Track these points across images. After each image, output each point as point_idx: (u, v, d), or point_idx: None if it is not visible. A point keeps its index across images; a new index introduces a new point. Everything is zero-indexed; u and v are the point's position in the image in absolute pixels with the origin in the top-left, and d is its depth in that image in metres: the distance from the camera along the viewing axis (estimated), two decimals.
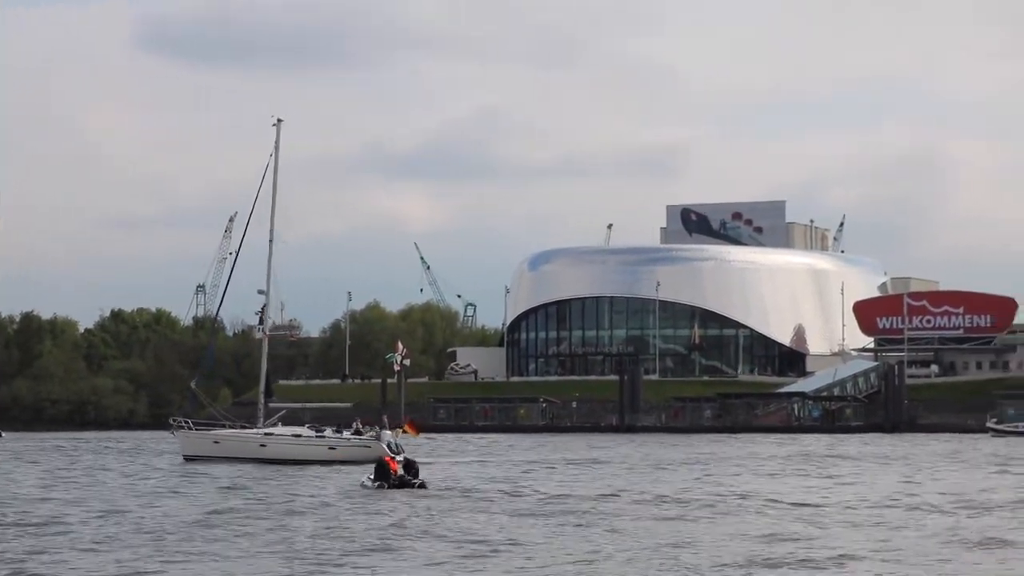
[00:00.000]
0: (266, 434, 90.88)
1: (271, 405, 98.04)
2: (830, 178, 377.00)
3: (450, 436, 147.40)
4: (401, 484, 63.79)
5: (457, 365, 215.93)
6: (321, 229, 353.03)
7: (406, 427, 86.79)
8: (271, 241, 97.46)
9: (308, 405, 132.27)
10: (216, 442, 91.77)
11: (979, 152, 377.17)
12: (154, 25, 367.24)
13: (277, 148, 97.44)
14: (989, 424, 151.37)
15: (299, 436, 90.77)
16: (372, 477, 65.06)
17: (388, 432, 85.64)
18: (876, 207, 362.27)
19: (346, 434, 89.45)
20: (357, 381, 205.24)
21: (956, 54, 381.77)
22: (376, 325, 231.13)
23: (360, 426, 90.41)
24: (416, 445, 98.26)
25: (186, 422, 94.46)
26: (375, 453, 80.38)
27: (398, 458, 67.54)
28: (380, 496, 60.47)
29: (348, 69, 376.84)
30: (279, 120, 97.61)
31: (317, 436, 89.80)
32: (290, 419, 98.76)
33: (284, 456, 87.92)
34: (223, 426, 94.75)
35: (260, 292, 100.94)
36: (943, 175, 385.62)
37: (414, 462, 66.98)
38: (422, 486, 63.88)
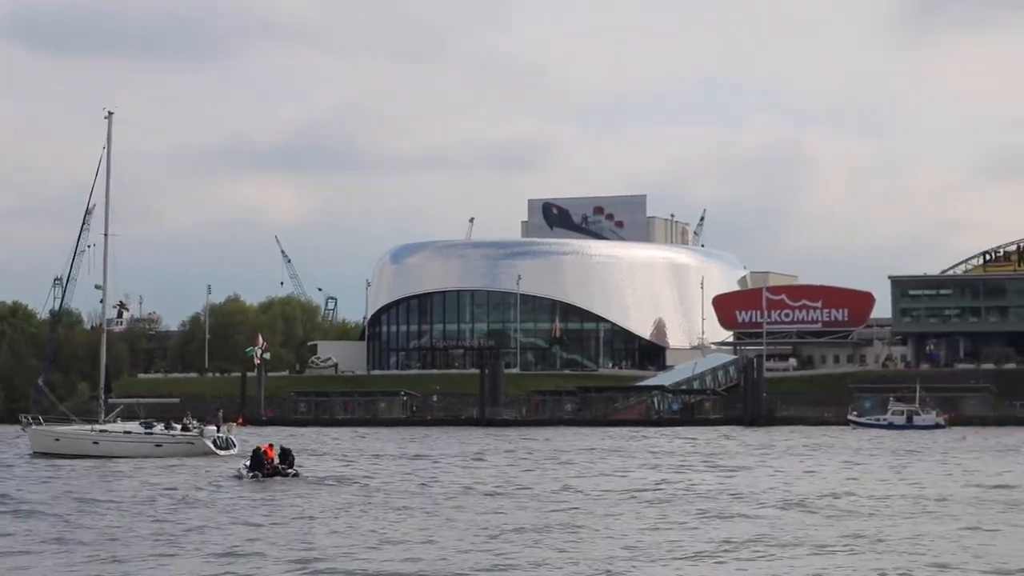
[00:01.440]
0: (100, 431, 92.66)
1: (111, 401, 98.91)
2: (691, 173, 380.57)
3: (310, 430, 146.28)
4: (275, 473, 63.83)
5: (318, 359, 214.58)
6: (183, 222, 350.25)
7: (240, 421, 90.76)
8: (106, 235, 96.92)
9: (143, 400, 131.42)
10: (57, 439, 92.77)
11: (839, 148, 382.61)
12: (10, 14, 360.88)
13: (109, 141, 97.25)
14: (850, 417, 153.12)
15: (129, 433, 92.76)
16: (248, 465, 65.16)
17: (213, 428, 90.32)
18: (736, 202, 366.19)
19: (178, 428, 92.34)
20: (216, 375, 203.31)
21: (815, 51, 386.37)
22: (236, 318, 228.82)
23: (189, 421, 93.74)
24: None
25: (35, 418, 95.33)
26: (199, 449, 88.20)
27: (275, 448, 67.88)
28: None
29: (212, 61, 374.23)
30: (110, 113, 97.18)
31: (146, 432, 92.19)
32: (129, 415, 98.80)
33: (114, 453, 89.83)
34: (69, 422, 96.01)
35: (97, 287, 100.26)
36: (803, 171, 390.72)
37: (290, 452, 67.52)
38: (296, 475, 63.98)
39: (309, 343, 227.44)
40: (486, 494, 60.11)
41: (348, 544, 42.26)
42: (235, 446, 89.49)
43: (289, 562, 38.42)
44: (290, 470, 64.97)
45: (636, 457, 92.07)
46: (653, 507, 54.68)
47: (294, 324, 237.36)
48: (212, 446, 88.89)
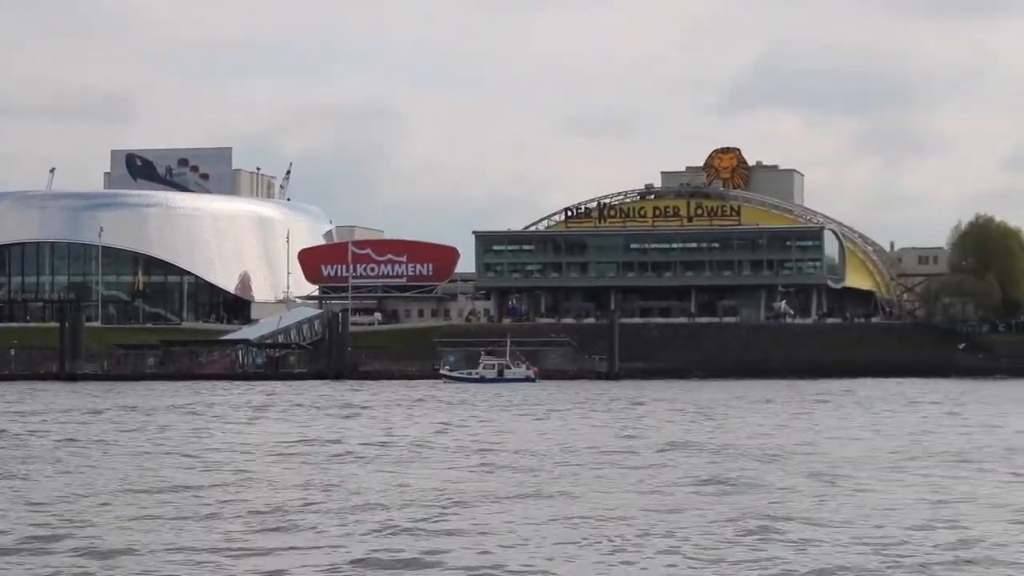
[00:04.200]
0: None
1: None
2: (281, 126, 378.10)
3: None
4: None
5: None
6: None
7: None
8: None
9: None
10: None
11: (428, 103, 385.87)
12: None
13: None
14: (442, 371, 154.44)
15: None
16: None
17: None
18: (325, 156, 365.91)
19: None
20: None
21: (406, 6, 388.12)
22: None
23: None
24: None
25: None
26: None
27: None
28: None
29: None
30: None
31: None
32: None
33: None
34: None
35: None
36: (392, 126, 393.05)
37: None
38: None
39: None
40: None
41: None
42: None
43: None
44: None
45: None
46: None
47: None
48: None
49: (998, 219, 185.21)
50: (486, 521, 37.45)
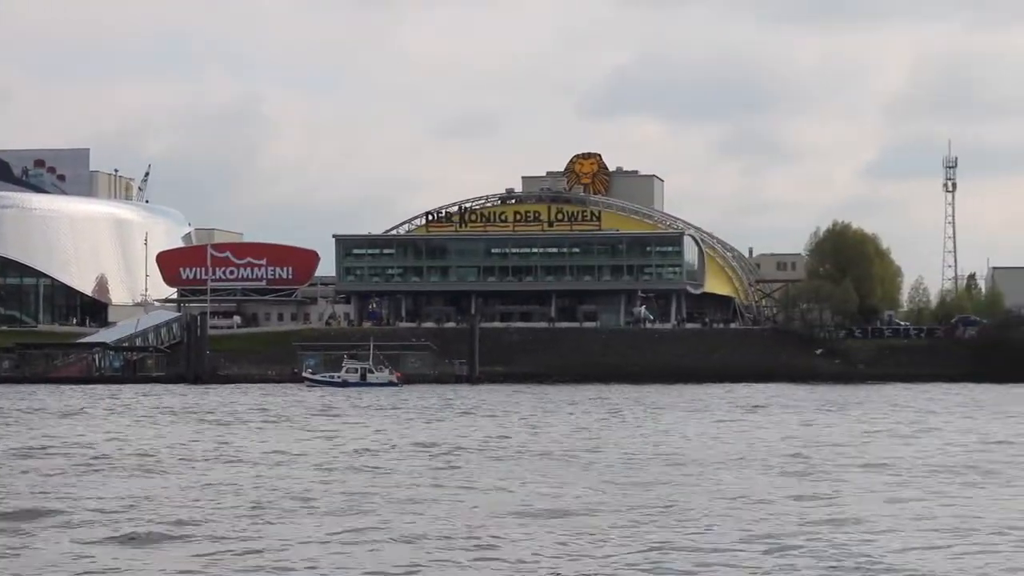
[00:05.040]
0: None
1: None
2: (141, 128, 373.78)
3: None
4: None
5: None
6: None
7: None
8: None
9: None
10: None
11: (294, 106, 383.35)
12: None
13: None
14: (305, 374, 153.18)
15: None
16: None
17: None
18: (187, 158, 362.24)
19: None
20: None
21: (273, 6, 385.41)
22: None
23: None
24: None
25: None
26: None
27: None
28: None
29: None
30: None
31: None
32: None
33: None
34: None
35: None
36: (257, 128, 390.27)
37: None
38: None
39: None
40: None
41: None
42: None
43: None
44: None
45: None
46: None
47: None
48: None
49: (855, 226, 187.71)
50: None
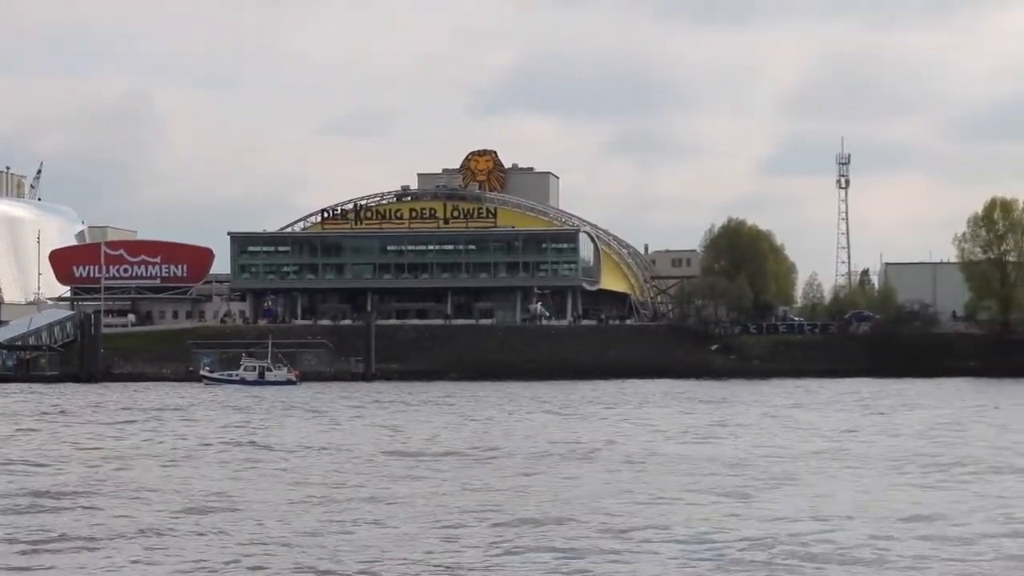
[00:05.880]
0: None
1: None
2: (34, 125, 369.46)
3: None
4: None
5: None
6: None
7: None
8: None
9: None
10: None
11: (189, 103, 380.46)
12: None
13: None
14: (203, 373, 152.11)
15: None
16: None
17: None
18: (79, 156, 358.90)
19: None
20: None
21: (158, 4, 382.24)
22: None
23: None
24: None
25: None
26: None
27: None
28: None
29: None
30: None
31: None
32: None
33: None
34: None
35: None
36: (151, 125, 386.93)
37: None
38: None
39: None
40: None
41: None
42: None
43: None
44: None
45: None
46: None
47: None
48: None
49: (750, 223, 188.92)
50: None
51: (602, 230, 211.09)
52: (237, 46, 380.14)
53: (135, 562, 32.66)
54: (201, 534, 36.67)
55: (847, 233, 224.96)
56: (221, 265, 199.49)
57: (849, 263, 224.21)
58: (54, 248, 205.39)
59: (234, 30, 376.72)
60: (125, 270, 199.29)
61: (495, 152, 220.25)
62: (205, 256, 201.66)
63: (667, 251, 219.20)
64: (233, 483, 48.15)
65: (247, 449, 62.27)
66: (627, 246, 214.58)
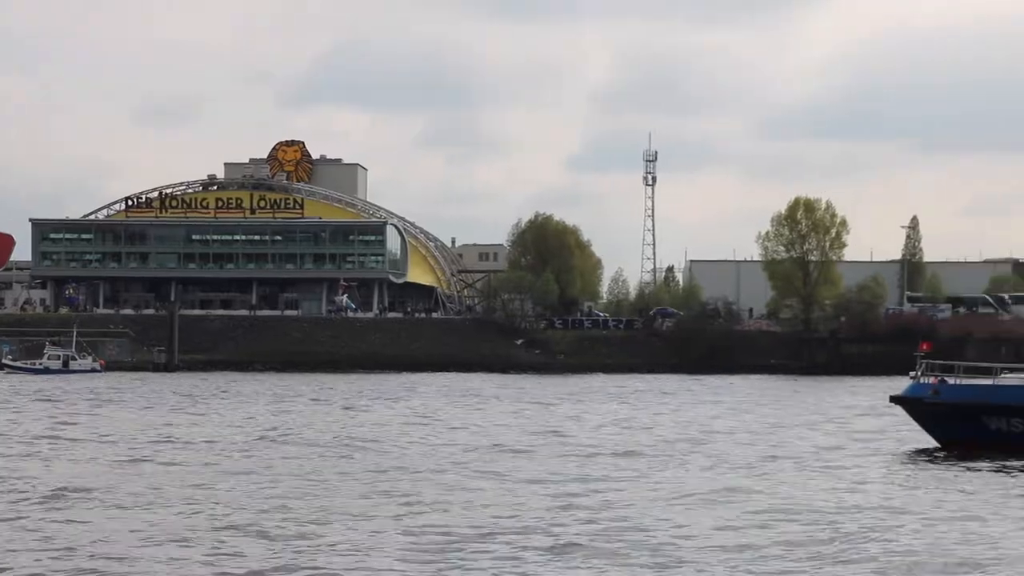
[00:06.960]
0: None
1: None
2: None
3: None
4: None
5: None
6: None
7: None
8: None
9: None
10: None
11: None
12: None
13: None
14: (5, 361, 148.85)
15: None
16: None
17: None
18: None
19: None
20: None
21: None
22: None
23: None
24: None
25: None
26: None
27: None
28: None
29: None
30: None
31: None
32: None
33: None
34: None
35: None
36: None
37: None
38: None
39: None
40: None
41: None
42: None
43: None
44: None
45: None
46: None
47: None
48: None
49: (557, 218, 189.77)
50: None
51: (410, 223, 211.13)
52: (41, 27, 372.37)
53: None
54: None
55: (653, 230, 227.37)
56: (22, 252, 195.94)
57: (655, 260, 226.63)
58: None
59: (39, 11, 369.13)
60: None
61: (303, 143, 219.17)
62: (6, 243, 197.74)
63: (475, 245, 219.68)
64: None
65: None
66: (435, 239, 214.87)
